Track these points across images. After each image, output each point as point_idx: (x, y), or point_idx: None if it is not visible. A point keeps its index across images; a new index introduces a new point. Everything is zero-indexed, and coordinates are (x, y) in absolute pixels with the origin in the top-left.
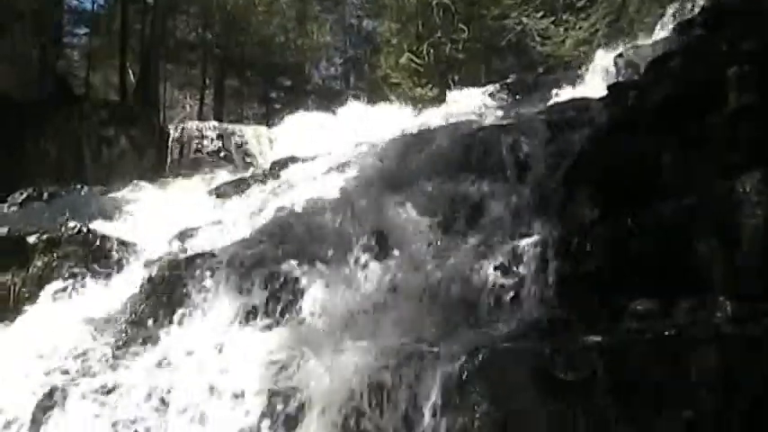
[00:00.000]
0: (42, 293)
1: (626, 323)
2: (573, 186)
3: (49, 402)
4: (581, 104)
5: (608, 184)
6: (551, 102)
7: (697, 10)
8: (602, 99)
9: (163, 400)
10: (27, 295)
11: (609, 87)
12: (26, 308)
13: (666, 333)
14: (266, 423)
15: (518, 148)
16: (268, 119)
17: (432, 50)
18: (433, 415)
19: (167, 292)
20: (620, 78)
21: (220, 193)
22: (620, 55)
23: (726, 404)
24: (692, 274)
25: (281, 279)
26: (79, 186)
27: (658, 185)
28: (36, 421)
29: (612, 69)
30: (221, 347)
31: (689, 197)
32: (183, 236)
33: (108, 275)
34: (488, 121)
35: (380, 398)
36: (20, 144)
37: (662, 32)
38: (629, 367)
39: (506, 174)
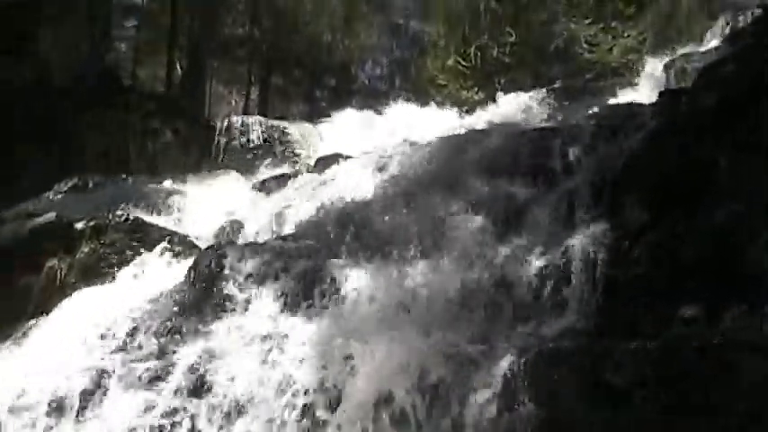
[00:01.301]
0: (88, 280)
1: (674, 329)
2: (623, 190)
3: (94, 388)
4: (631, 110)
5: (658, 188)
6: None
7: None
8: (653, 104)
9: (207, 389)
10: (73, 281)
11: (660, 93)
12: (72, 294)
13: (714, 341)
14: (310, 414)
15: (567, 150)
16: (313, 118)
17: (479, 53)
18: (479, 414)
19: (213, 282)
20: (671, 85)
21: (265, 187)
22: (671, 63)
23: None
24: (743, 280)
25: (326, 273)
26: (124, 177)
27: (709, 191)
28: (81, 405)
29: (662, 76)
30: (265, 338)
31: (739, 203)
32: (228, 228)
33: (153, 264)
34: (537, 124)
35: (426, 396)
36: (66, 134)
37: (713, 41)
38: (677, 373)
39: (555, 176)
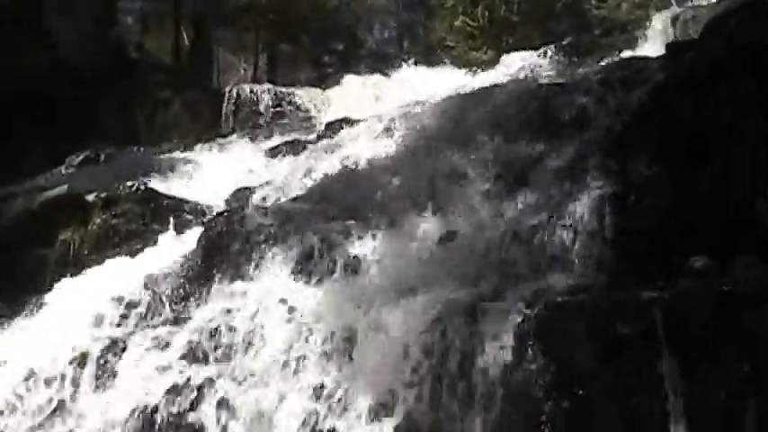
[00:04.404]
0: (101, 250)
1: (684, 279)
2: (630, 144)
3: (108, 355)
4: (639, 64)
5: (665, 142)
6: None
7: None
8: (659, 58)
9: (220, 353)
10: (86, 252)
11: (667, 46)
12: (86, 264)
13: (724, 289)
14: (321, 378)
15: (576, 105)
16: (321, 83)
17: (486, 13)
18: (491, 368)
19: (223, 249)
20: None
21: (275, 153)
22: (678, 16)
23: None
24: (751, 230)
25: (337, 236)
26: (135, 148)
27: (716, 142)
28: (98, 373)
29: (670, 30)
30: (276, 301)
31: (747, 153)
32: (239, 195)
33: (165, 232)
34: (545, 80)
35: (437, 351)
36: (76, 108)
37: None
38: (687, 322)
39: (564, 131)
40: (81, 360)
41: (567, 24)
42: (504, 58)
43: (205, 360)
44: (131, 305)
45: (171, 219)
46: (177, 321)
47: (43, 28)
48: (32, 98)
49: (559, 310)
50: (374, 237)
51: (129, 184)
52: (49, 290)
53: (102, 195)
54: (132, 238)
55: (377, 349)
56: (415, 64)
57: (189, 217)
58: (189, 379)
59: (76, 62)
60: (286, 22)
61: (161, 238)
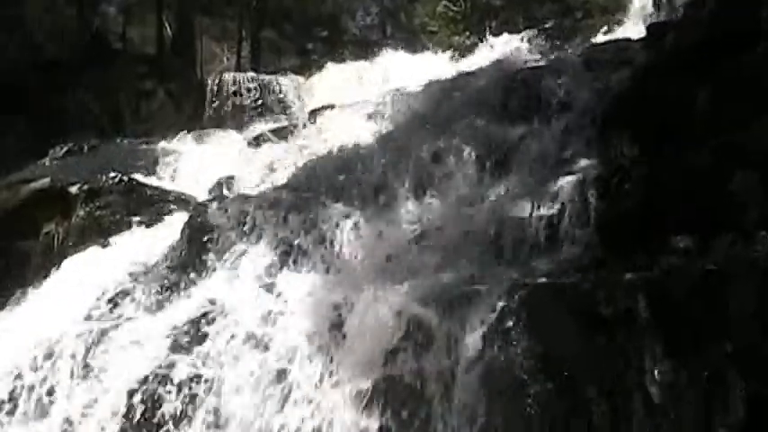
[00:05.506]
0: (85, 243)
1: (666, 259)
2: (612, 126)
3: (93, 346)
4: (620, 46)
5: (647, 123)
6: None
7: None
8: (640, 40)
9: (203, 342)
10: (70, 244)
11: (648, 28)
12: (70, 256)
13: (706, 268)
14: (307, 364)
15: (557, 88)
16: (305, 70)
17: None
18: (474, 352)
19: (207, 238)
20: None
21: (259, 141)
22: None
23: (763, 337)
24: (731, 210)
25: (321, 222)
26: (119, 139)
27: (697, 124)
28: (81, 363)
29: (652, 11)
30: (262, 290)
31: (728, 134)
32: (223, 184)
33: (149, 223)
34: (527, 64)
35: (421, 337)
36: (59, 101)
37: None
38: (669, 302)
39: (545, 114)
40: (65, 351)
41: (548, 8)
42: (487, 42)
43: (187, 350)
44: (116, 296)
45: (155, 209)
46: (161, 311)
47: (22, 19)
48: (13, 90)
49: (542, 292)
50: (358, 222)
51: (113, 175)
52: (35, 283)
53: (85, 187)
54: (116, 230)
55: (361, 337)
56: (399, 50)
57: (173, 207)
58: (172, 368)
59: (58, 54)
60: (269, 10)
61: (144, 228)
